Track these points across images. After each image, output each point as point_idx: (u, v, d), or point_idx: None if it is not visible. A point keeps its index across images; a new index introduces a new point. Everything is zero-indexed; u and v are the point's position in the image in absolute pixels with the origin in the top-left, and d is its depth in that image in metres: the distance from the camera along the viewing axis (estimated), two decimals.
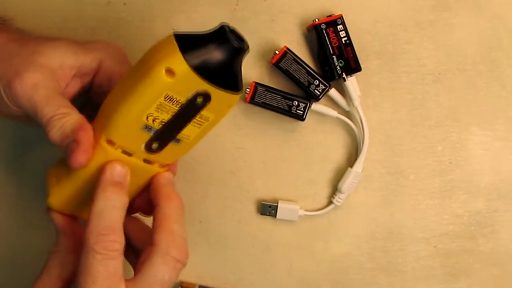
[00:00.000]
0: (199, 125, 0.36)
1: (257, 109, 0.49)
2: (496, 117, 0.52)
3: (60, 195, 0.38)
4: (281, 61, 0.48)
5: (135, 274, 0.36)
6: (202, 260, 0.51)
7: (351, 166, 0.50)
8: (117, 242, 0.34)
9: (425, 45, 0.51)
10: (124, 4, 0.50)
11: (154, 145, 0.36)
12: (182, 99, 0.34)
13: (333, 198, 0.51)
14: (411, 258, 0.52)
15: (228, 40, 0.33)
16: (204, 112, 0.35)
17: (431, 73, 0.51)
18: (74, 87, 0.41)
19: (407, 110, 0.51)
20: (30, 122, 0.40)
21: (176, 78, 0.32)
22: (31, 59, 0.38)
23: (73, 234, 0.38)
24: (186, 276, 0.51)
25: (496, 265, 0.52)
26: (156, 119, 0.34)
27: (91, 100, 0.43)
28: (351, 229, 0.52)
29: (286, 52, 0.48)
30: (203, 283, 0.51)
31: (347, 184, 0.50)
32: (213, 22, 0.49)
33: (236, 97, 0.36)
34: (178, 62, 0.32)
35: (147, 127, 0.35)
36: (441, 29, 0.51)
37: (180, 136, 0.36)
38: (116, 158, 0.36)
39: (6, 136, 0.51)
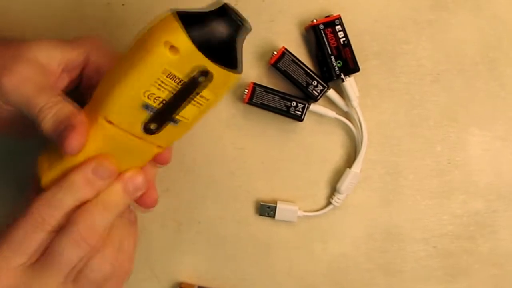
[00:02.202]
0: (198, 106, 0.36)
1: (255, 109, 0.49)
2: (495, 117, 0.52)
3: (54, 178, 0.37)
4: (279, 62, 0.48)
5: None
6: (201, 261, 0.51)
7: (350, 167, 0.50)
8: (56, 220, 0.34)
9: (424, 45, 0.51)
10: (123, 5, 0.50)
11: (153, 126, 0.36)
12: (183, 77, 0.33)
13: (332, 198, 0.51)
14: (410, 259, 0.52)
15: (232, 18, 0.33)
16: (204, 92, 0.35)
17: (430, 73, 0.51)
18: (63, 82, 0.41)
19: (406, 111, 0.51)
20: (18, 130, 0.40)
21: (180, 55, 0.32)
22: (19, 54, 0.38)
23: None
24: (185, 276, 0.51)
25: (495, 265, 0.52)
26: (156, 97, 0.34)
27: (81, 95, 0.42)
28: (350, 230, 0.52)
29: (284, 53, 0.48)
30: (202, 284, 0.51)
31: (345, 184, 0.50)
32: None
33: (237, 76, 0.35)
34: (182, 39, 0.32)
35: (147, 106, 0.34)
36: (440, 29, 0.51)
37: (178, 117, 0.36)
38: (115, 135, 0.35)
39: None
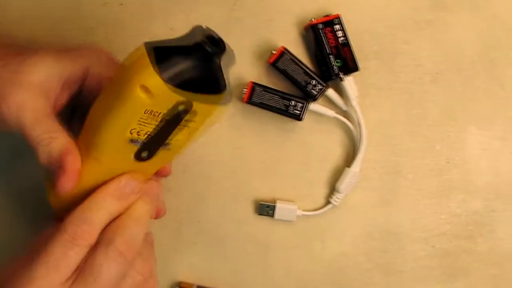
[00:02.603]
0: (187, 128, 0.36)
1: (254, 109, 0.49)
2: (494, 117, 0.52)
3: (57, 199, 0.38)
4: (279, 61, 0.48)
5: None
6: (200, 260, 0.51)
7: (349, 166, 0.50)
8: (91, 236, 0.34)
9: (423, 45, 0.51)
10: (121, 4, 0.50)
11: (144, 154, 0.36)
12: (163, 110, 0.33)
13: (331, 198, 0.51)
14: (409, 258, 0.52)
15: (208, 52, 0.32)
16: (188, 117, 0.34)
17: (429, 72, 0.51)
18: (64, 97, 0.41)
19: (405, 110, 0.51)
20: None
21: (152, 94, 0.31)
22: (15, 78, 0.38)
23: None
24: (184, 276, 0.51)
25: (494, 265, 0.52)
26: (140, 132, 0.34)
27: (82, 103, 0.43)
28: (349, 229, 0.52)
29: (284, 52, 0.48)
30: (201, 283, 0.51)
31: (345, 184, 0.50)
32: (211, 22, 0.50)
33: (220, 96, 0.35)
34: (152, 78, 0.31)
35: (133, 141, 0.35)
36: (439, 29, 0.51)
37: (168, 141, 0.36)
38: (109, 168, 0.36)
39: (7, 135, 0.51)
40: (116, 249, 0.34)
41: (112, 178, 0.37)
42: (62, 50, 0.41)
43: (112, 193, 0.36)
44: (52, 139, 0.36)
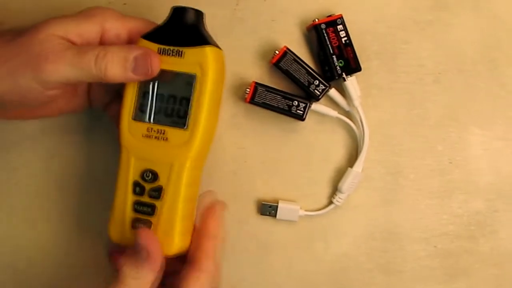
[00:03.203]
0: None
1: (257, 109, 0.49)
2: (496, 117, 0.52)
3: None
4: (281, 61, 0.48)
5: None
6: None
7: (351, 166, 0.50)
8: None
9: (424, 45, 0.51)
10: (124, 4, 0.50)
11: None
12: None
13: (333, 198, 0.51)
14: (410, 258, 0.52)
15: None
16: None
17: (431, 73, 0.52)
18: None
19: (407, 110, 0.51)
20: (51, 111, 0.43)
21: None
22: (39, 37, 0.39)
23: None
24: None
25: (496, 265, 0.52)
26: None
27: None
28: (351, 229, 0.52)
29: (286, 52, 0.48)
30: None
31: (347, 184, 0.50)
32: (214, 22, 0.50)
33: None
34: None
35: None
36: (440, 29, 0.51)
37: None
38: None
39: (7, 135, 0.50)
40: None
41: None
42: (71, 15, 0.42)
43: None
44: (106, 47, 0.39)
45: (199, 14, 0.42)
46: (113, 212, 0.42)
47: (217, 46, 0.42)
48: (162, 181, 0.41)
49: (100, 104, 0.47)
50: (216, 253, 0.41)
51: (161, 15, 0.48)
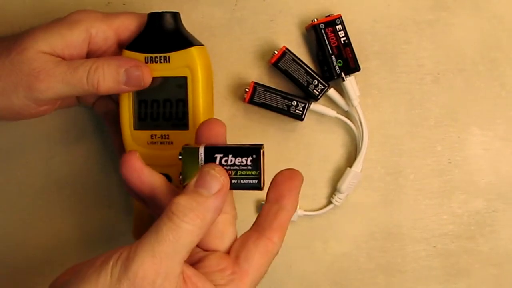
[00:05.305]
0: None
1: (256, 109, 0.49)
2: (496, 117, 0.52)
3: None
4: (280, 61, 0.48)
5: None
6: None
7: (350, 166, 0.50)
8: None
9: (424, 45, 0.51)
10: (124, 4, 0.50)
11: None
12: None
13: (333, 198, 0.51)
14: (410, 258, 0.52)
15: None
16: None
17: (430, 73, 0.51)
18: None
19: (406, 110, 0.51)
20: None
21: None
22: (27, 55, 0.38)
23: None
24: None
25: (496, 265, 0.52)
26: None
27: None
28: (350, 229, 0.51)
29: (285, 52, 0.48)
30: None
31: (346, 184, 0.50)
32: (212, 22, 0.50)
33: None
34: None
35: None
36: (440, 29, 0.51)
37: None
38: None
39: (7, 135, 0.51)
40: None
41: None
42: (55, 21, 0.42)
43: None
44: (97, 60, 0.39)
45: (176, 16, 0.43)
46: (135, 220, 0.44)
47: (200, 44, 0.44)
48: (176, 183, 0.41)
49: (88, 102, 0.48)
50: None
51: None
